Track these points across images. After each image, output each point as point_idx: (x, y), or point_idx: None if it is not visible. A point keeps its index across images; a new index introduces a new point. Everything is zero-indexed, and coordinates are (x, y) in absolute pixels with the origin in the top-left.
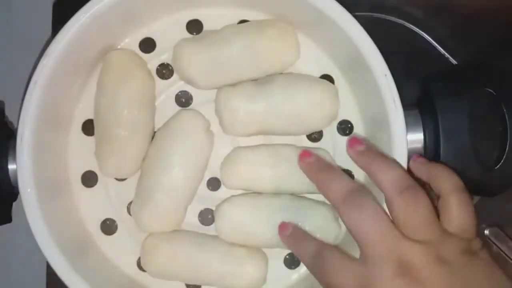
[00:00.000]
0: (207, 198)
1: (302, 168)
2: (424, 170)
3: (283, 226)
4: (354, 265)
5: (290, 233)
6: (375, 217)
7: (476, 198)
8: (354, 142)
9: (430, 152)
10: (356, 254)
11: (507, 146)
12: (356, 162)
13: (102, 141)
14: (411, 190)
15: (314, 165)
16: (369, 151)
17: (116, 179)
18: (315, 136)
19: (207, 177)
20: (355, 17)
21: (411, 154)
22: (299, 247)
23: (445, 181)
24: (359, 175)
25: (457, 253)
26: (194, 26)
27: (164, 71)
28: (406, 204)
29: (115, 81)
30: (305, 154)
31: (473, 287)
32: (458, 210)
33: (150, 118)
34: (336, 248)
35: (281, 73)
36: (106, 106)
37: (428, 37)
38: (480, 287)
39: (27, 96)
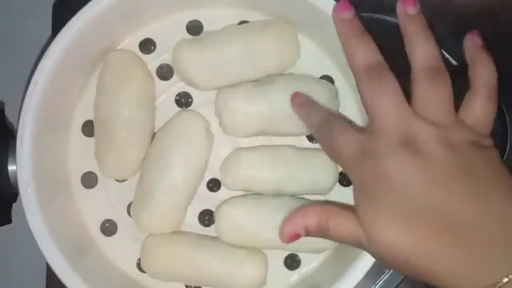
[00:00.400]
0: (207, 199)
1: (335, 21)
2: (470, 50)
3: (295, 95)
4: (359, 133)
5: (302, 101)
6: (392, 92)
7: None
8: (407, 1)
9: None
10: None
11: (507, 146)
12: (399, 23)
13: (102, 142)
14: (437, 72)
15: (349, 24)
16: (417, 18)
17: (116, 180)
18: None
19: (207, 177)
20: None
21: None
22: (308, 113)
23: (483, 73)
24: None
25: (466, 141)
26: (194, 27)
27: (164, 72)
28: (428, 83)
29: (115, 82)
30: (343, 6)
31: (474, 176)
32: (482, 104)
33: (150, 118)
34: (344, 118)
35: (281, 74)
36: (106, 107)
37: None
38: (481, 177)
39: (27, 97)
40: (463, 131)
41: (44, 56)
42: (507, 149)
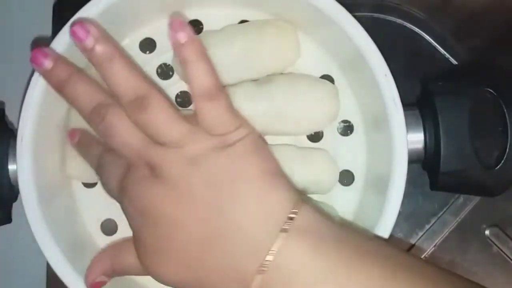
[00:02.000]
0: None
1: (36, 69)
2: (177, 49)
3: (72, 133)
4: (118, 170)
5: (78, 139)
6: (123, 129)
7: (476, 198)
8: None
9: (430, 152)
10: None
11: (507, 146)
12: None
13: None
14: (143, 97)
15: (56, 71)
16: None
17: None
18: (315, 136)
19: None
20: (356, 17)
21: (411, 154)
22: (87, 153)
23: (194, 77)
24: (360, 177)
25: (206, 150)
26: (194, 26)
27: (164, 72)
28: (137, 113)
29: None
30: (38, 56)
31: (213, 188)
32: (206, 108)
33: None
34: (114, 154)
35: (282, 73)
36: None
37: (428, 37)
38: (221, 187)
39: (27, 96)
40: (199, 140)
41: None
42: (507, 149)
